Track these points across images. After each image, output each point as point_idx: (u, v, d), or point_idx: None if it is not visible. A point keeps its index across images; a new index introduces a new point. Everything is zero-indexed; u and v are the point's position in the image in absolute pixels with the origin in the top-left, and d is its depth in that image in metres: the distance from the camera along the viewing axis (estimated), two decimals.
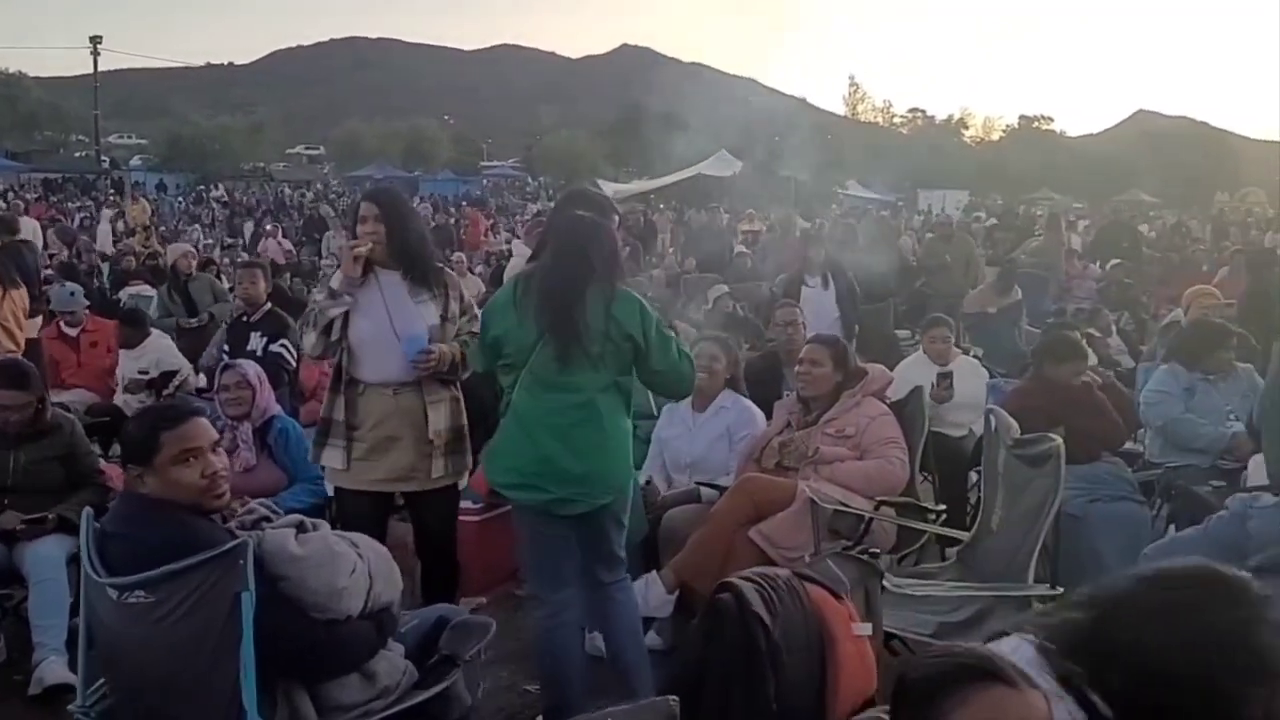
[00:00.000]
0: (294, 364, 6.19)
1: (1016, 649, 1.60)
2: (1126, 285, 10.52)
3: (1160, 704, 1.49)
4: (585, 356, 3.25)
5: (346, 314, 3.81)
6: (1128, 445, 5.27)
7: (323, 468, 4.00)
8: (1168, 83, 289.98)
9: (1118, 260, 12.22)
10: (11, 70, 59.98)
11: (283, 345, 6.15)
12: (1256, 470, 4.40)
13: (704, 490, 4.47)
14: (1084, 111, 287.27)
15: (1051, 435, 3.60)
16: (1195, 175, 47.53)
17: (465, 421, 4.03)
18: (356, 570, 2.63)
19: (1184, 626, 1.49)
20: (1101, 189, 49.41)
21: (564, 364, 3.26)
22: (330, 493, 4.08)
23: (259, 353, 6.03)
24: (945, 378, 5.58)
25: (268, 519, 2.66)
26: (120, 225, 22.38)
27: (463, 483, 4.05)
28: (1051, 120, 78.08)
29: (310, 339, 3.85)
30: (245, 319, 6.40)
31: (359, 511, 3.85)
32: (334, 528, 3.67)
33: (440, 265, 4.09)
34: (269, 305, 6.49)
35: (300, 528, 2.64)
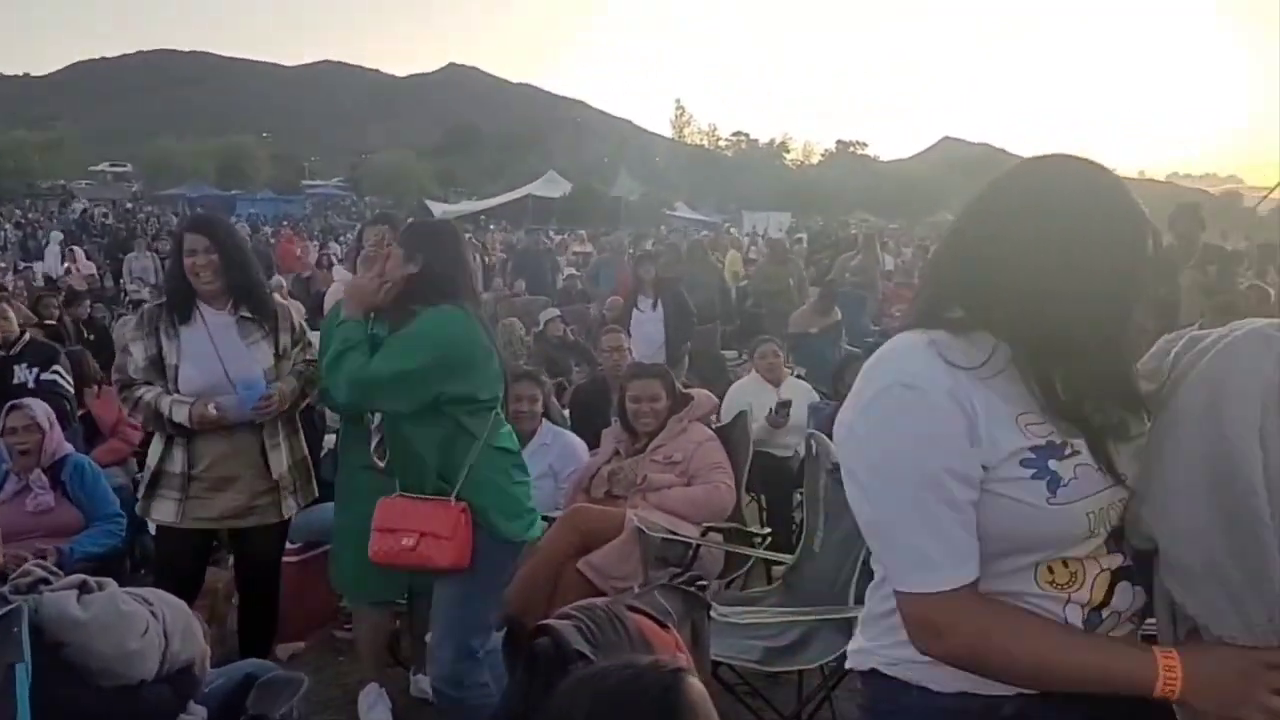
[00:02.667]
0: (70, 390, 5.81)
1: None
2: None
3: None
4: None
5: (177, 366, 3.60)
6: None
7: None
8: (971, 111, 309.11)
9: None
10: None
11: (55, 373, 5.79)
12: None
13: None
14: (896, 137, 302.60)
15: None
16: None
17: (306, 452, 3.92)
18: (149, 630, 2.43)
19: None
20: (913, 211, 52.12)
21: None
22: (152, 530, 3.92)
23: (31, 384, 5.67)
24: (784, 406, 5.69)
25: (46, 580, 2.42)
26: None
27: None
28: (866, 145, 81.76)
29: (138, 418, 3.72)
30: (4, 352, 5.95)
31: (182, 550, 3.69)
32: (139, 576, 3.46)
33: (270, 297, 3.88)
34: (27, 335, 6.15)
35: (83, 588, 2.41)
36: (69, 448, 4.51)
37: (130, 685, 2.36)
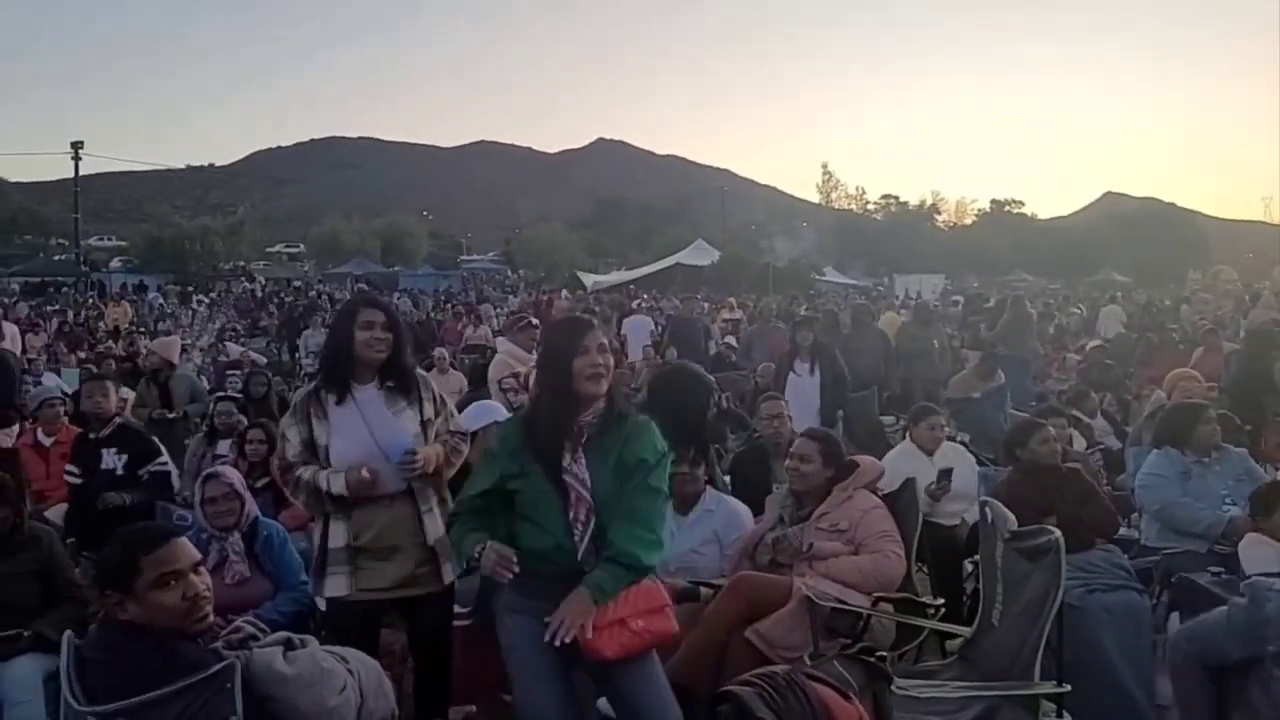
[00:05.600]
0: (178, 483, 5.99)
1: None
2: (1108, 366, 10.59)
3: None
4: None
5: (327, 445, 3.75)
6: (1121, 531, 5.23)
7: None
8: (1134, 165, 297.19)
9: (1097, 342, 12.33)
10: None
11: (162, 465, 5.88)
12: (1248, 553, 4.36)
13: (702, 590, 4.38)
14: (1053, 194, 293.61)
15: (1049, 527, 3.56)
16: (1165, 254, 48.28)
17: None
18: (347, 687, 2.56)
19: None
20: (1074, 270, 50.22)
21: None
22: (322, 605, 3.97)
23: (119, 470, 5.72)
24: (945, 475, 5.54)
25: (255, 637, 2.58)
26: (101, 326, 22.42)
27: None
28: (1022, 204, 79.23)
29: (300, 500, 3.82)
30: (92, 435, 5.96)
31: (350, 623, 3.76)
32: (320, 637, 3.58)
33: (413, 370, 4.00)
34: (118, 419, 6.14)
35: (288, 645, 2.56)
36: (257, 511, 4.70)
37: None
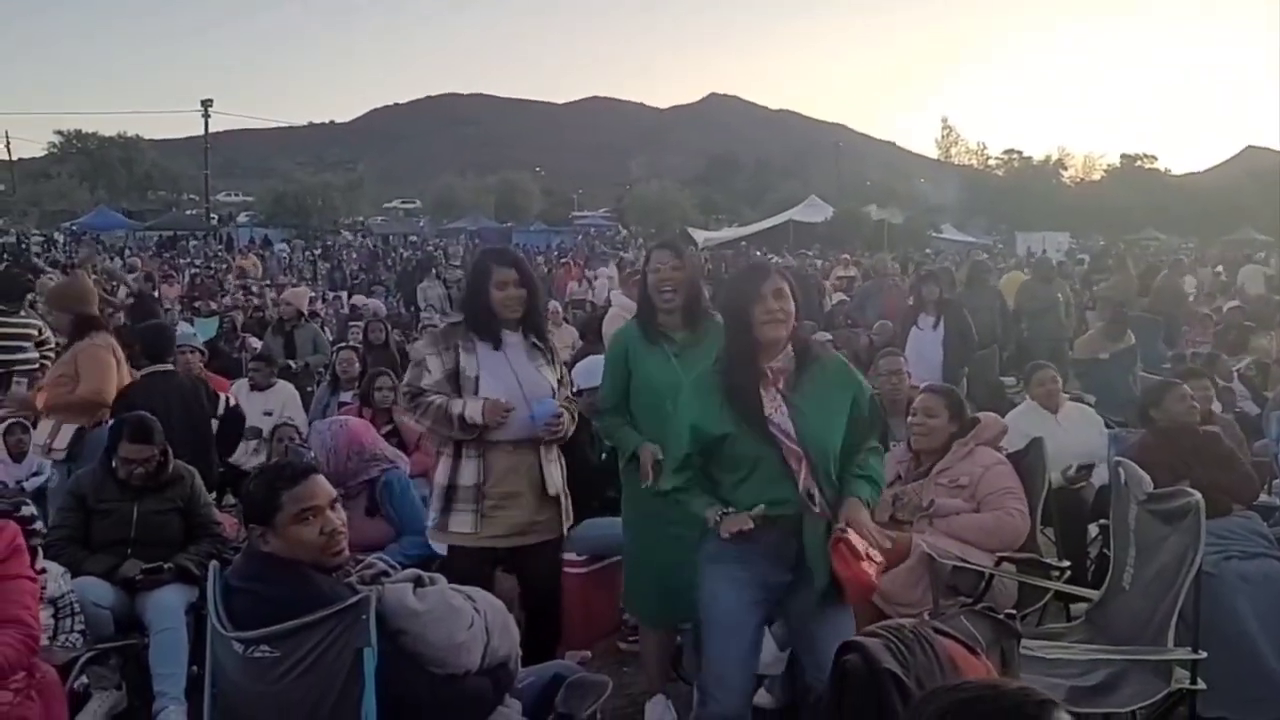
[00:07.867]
0: None
1: None
2: (1247, 328, 10.08)
3: None
4: None
5: (477, 377, 3.78)
6: (1261, 498, 4.99)
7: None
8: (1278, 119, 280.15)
9: (1235, 303, 11.77)
10: (129, 134, 63.54)
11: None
12: None
13: None
14: (1188, 149, 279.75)
15: (1189, 490, 3.42)
16: None
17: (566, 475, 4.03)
18: (474, 624, 2.63)
19: None
20: (1210, 227, 47.73)
21: None
22: (442, 550, 4.04)
23: None
24: (1085, 469, 5.35)
25: (386, 573, 2.67)
26: (230, 278, 23.29)
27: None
28: (1155, 159, 75.35)
29: (425, 423, 3.83)
30: None
31: (470, 568, 3.78)
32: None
33: (548, 329, 4.06)
34: None
35: (418, 582, 2.64)
36: (375, 470, 4.62)
37: (457, 675, 2.55)
